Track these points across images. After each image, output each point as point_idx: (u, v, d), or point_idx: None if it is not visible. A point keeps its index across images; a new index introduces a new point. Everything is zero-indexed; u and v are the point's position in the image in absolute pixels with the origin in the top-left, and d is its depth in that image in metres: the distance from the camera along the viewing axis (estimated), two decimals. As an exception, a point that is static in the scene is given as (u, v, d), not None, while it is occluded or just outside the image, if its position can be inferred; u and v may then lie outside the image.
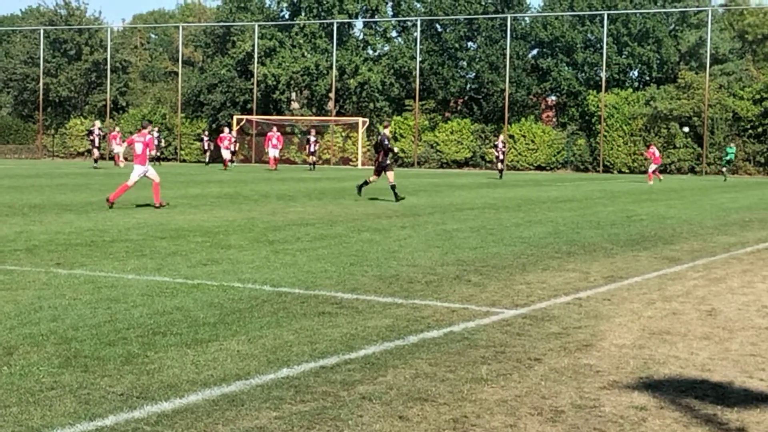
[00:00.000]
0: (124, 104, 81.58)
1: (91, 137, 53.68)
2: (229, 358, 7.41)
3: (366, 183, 28.17)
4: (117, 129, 63.06)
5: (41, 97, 78.67)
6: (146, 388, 6.52)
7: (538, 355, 7.79)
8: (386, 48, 74.26)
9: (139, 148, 23.29)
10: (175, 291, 10.45)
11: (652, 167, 46.24)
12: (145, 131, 23.58)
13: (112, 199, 22.22)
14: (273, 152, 55.48)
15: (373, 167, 28.43)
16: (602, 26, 66.68)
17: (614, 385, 6.91)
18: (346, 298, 10.26)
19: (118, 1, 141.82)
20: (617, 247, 15.81)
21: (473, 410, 6.22)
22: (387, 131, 28.26)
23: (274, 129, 57.37)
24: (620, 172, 63.85)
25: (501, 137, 52.41)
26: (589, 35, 68.80)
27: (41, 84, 78.51)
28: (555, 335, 8.58)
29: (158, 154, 62.65)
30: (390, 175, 27.37)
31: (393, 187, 26.96)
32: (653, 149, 47.44)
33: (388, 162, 27.55)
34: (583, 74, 68.89)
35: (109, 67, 78.43)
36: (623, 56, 68.01)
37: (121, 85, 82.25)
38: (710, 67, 63.30)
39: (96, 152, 52.99)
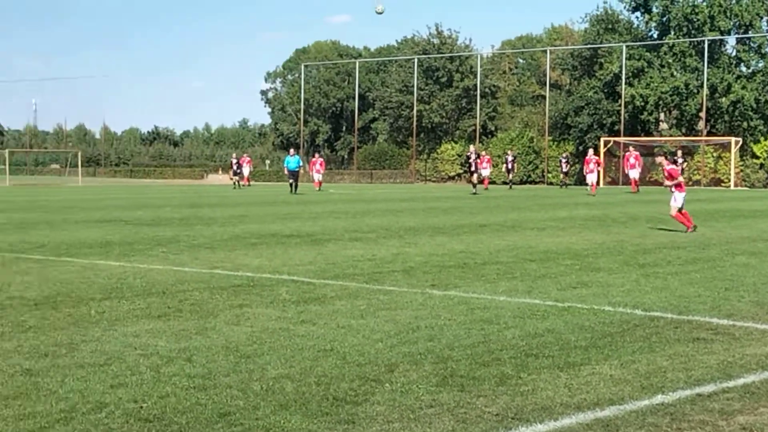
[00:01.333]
0: (492, 128, 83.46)
1: (469, 162, 54.33)
2: (602, 382, 7.37)
3: None
4: (484, 152, 64.24)
5: (415, 123, 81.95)
6: (520, 409, 6.62)
7: None
8: (761, 64, 71.15)
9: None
10: (546, 313, 10.53)
11: None
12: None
13: (689, 225, 22.12)
14: (633, 173, 53.72)
15: None
16: None
17: None
18: (721, 324, 9.93)
19: (487, 27, 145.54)
20: None
21: None
22: None
23: (631, 149, 55.50)
24: None
25: None
26: None
27: (415, 111, 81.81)
28: None
29: (510, 177, 62.75)
30: None
31: None
32: None
33: None
34: None
35: (478, 92, 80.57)
36: None
37: (490, 110, 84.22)
38: None
39: (475, 177, 53.56)
